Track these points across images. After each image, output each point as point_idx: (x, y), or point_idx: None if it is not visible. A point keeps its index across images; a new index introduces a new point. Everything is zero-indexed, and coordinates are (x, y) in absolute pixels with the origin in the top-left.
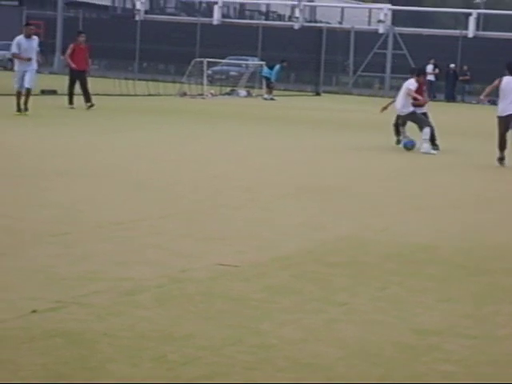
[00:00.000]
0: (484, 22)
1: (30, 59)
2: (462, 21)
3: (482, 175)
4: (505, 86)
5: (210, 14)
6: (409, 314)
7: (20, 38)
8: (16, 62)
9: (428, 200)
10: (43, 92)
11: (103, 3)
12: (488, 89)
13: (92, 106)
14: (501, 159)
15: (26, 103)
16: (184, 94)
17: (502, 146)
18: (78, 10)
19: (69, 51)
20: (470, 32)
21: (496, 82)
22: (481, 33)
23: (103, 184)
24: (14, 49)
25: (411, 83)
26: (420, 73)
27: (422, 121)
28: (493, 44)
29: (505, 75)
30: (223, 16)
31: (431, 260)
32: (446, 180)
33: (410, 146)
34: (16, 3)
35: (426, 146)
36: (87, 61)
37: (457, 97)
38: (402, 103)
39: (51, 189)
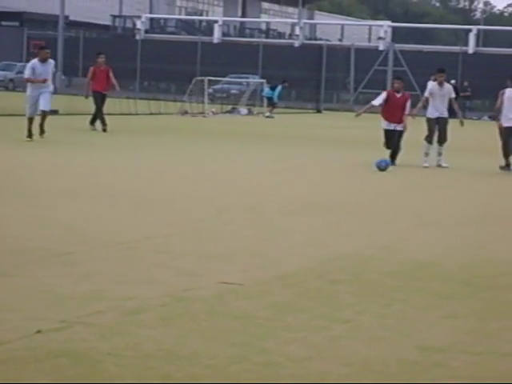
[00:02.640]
0: (484, 38)
1: (45, 80)
2: (462, 37)
3: (485, 191)
4: (508, 97)
5: (211, 33)
6: (413, 330)
7: (35, 61)
8: (29, 86)
9: (430, 216)
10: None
11: (104, 23)
12: (498, 105)
13: (105, 131)
14: (507, 166)
15: (41, 126)
16: (185, 113)
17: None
18: (78, 29)
19: (89, 75)
20: (470, 48)
21: (500, 96)
22: (481, 49)
23: (107, 203)
24: (27, 73)
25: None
26: (394, 81)
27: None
28: (493, 60)
29: (507, 87)
30: (223, 34)
31: (435, 277)
32: (448, 196)
33: (382, 167)
34: (17, 24)
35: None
36: (109, 82)
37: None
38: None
39: (55, 208)
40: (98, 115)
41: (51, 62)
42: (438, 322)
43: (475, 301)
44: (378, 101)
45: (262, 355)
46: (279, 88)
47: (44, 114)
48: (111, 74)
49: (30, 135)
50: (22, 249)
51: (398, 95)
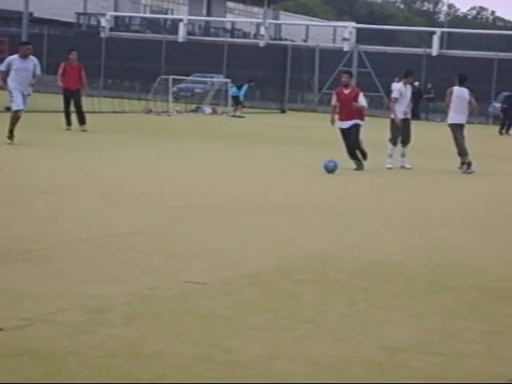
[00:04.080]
0: (448, 41)
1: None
2: (426, 39)
3: (448, 192)
4: (456, 96)
5: (176, 32)
6: (377, 330)
7: (14, 57)
8: (11, 78)
9: (397, 218)
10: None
11: (68, 20)
12: (446, 103)
13: (85, 130)
14: (463, 164)
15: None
16: (149, 111)
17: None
18: (42, 26)
19: (60, 70)
20: (434, 50)
21: (448, 95)
22: (444, 51)
23: (73, 201)
24: (4, 67)
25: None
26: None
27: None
28: (456, 62)
29: (454, 85)
30: (188, 33)
31: (400, 277)
32: (414, 198)
33: (330, 168)
34: None
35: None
36: (81, 79)
37: (421, 115)
38: None
39: (19, 205)
40: (65, 112)
41: (33, 59)
42: (402, 322)
43: (439, 301)
44: (333, 101)
45: (226, 354)
46: (245, 87)
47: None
48: (83, 73)
49: (11, 135)
50: None
51: (347, 91)
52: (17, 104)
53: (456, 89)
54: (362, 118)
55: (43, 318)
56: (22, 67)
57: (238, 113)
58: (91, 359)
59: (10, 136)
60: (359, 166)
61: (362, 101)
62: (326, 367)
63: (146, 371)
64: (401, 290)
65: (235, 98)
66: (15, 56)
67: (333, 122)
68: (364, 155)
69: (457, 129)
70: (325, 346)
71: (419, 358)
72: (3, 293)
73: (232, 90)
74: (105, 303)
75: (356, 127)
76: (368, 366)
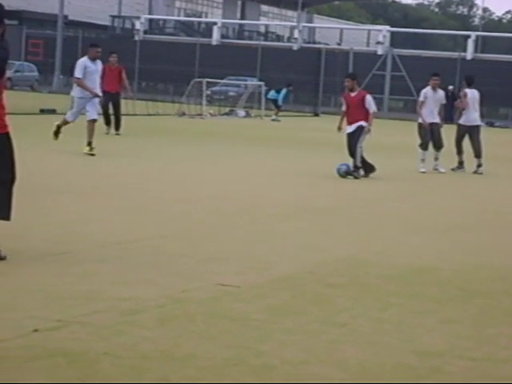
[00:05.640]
0: (482, 45)
1: (97, 96)
2: (460, 43)
3: (479, 196)
4: (470, 98)
5: (209, 35)
6: (410, 335)
7: (85, 59)
8: (75, 87)
9: (426, 222)
10: (42, 111)
11: (102, 23)
12: (461, 105)
13: (119, 134)
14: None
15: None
16: (183, 114)
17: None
18: (77, 29)
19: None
20: (469, 54)
21: (462, 96)
22: (479, 55)
23: (103, 203)
24: (78, 73)
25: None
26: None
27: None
28: (491, 66)
29: (464, 88)
30: (222, 36)
31: (431, 282)
32: (443, 201)
33: (342, 172)
34: (16, 22)
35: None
36: (121, 82)
37: (454, 118)
38: None
39: (53, 207)
40: (104, 115)
41: (99, 63)
42: (435, 326)
43: (471, 306)
44: (343, 106)
45: (258, 358)
46: (284, 91)
47: (92, 124)
48: (124, 75)
49: (57, 133)
50: (19, 248)
51: (353, 94)
52: (72, 119)
53: (469, 91)
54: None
55: (77, 319)
56: (94, 70)
57: (273, 116)
58: (125, 361)
59: (91, 148)
60: (354, 172)
61: (371, 106)
62: (359, 371)
63: (178, 374)
64: (433, 295)
65: (274, 102)
66: (84, 59)
67: (339, 128)
68: (355, 166)
69: (475, 130)
70: (358, 350)
71: (453, 362)
72: (35, 294)
73: (271, 94)
74: (137, 305)
75: (359, 128)
76: (401, 371)
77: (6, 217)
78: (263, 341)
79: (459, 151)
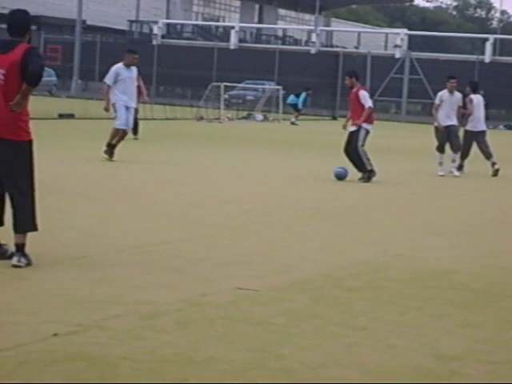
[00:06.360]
0: (500, 47)
1: (106, 110)
2: (478, 46)
3: (497, 199)
4: (476, 104)
5: (227, 39)
6: (429, 338)
7: (119, 66)
8: (115, 92)
9: (444, 224)
10: (61, 116)
11: (120, 28)
12: (467, 112)
13: (136, 139)
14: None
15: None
16: (201, 118)
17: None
18: (95, 34)
19: None
20: (487, 57)
21: (468, 102)
22: (497, 58)
23: (122, 207)
24: (107, 78)
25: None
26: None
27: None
28: (509, 69)
29: (469, 94)
30: (240, 40)
31: (449, 285)
32: (462, 205)
33: (342, 176)
34: (34, 27)
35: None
36: (138, 87)
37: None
38: None
39: (72, 211)
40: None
41: (135, 70)
42: (454, 330)
43: (490, 310)
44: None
45: (278, 361)
46: (303, 95)
47: (118, 131)
48: (141, 82)
49: (111, 152)
50: (38, 252)
51: (353, 91)
52: (121, 123)
53: (474, 97)
54: (366, 121)
55: (96, 323)
56: (128, 77)
57: (293, 119)
58: (144, 365)
59: (108, 151)
60: (361, 171)
61: (366, 101)
62: (378, 374)
63: (198, 377)
64: (452, 298)
65: (294, 106)
66: (119, 65)
67: (344, 127)
68: (358, 166)
69: (482, 135)
70: (376, 354)
71: (472, 366)
72: (55, 298)
73: (290, 99)
74: (157, 309)
75: (359, 128)
76: (420, 374)
77: (33, 229)
78: (282, 344)
79: (464, 156)
